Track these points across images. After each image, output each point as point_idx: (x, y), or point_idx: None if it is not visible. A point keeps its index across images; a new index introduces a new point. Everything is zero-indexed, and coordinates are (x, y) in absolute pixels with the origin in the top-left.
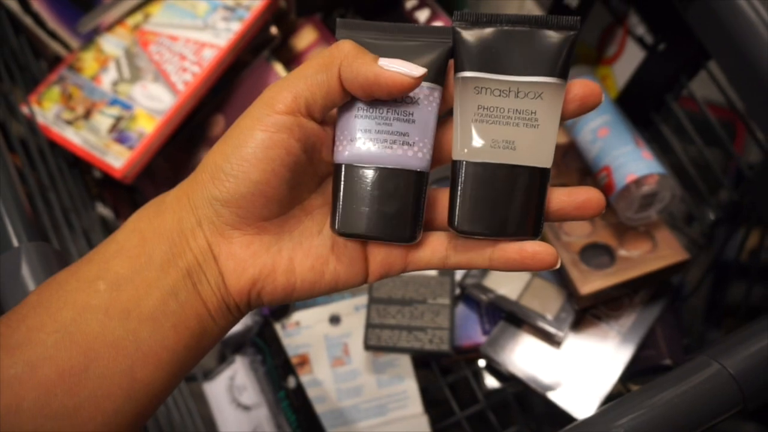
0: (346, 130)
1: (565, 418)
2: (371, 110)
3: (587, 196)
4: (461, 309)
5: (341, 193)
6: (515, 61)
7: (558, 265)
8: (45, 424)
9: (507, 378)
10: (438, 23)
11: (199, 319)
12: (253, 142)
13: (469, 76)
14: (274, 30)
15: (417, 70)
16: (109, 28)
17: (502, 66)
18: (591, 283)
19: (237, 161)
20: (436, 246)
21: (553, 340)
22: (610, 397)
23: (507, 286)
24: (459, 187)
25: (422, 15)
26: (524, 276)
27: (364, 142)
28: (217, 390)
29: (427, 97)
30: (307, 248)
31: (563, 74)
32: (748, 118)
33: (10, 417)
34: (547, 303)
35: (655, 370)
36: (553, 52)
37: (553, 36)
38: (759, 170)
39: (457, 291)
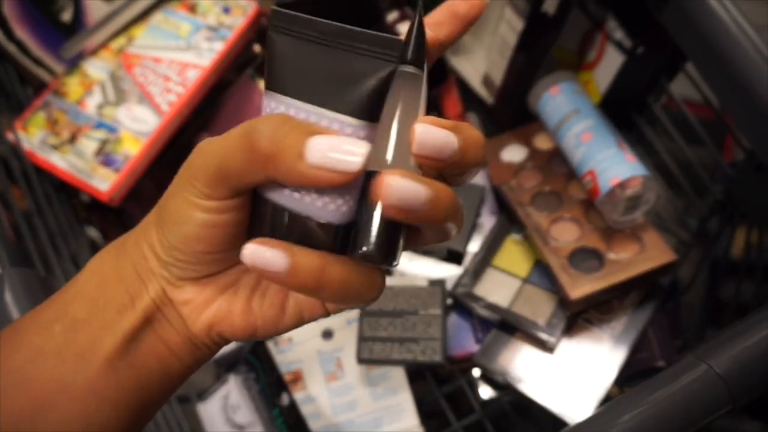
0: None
1: (561, 424)
2: None
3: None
4: (453, 319)
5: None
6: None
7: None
8: None
9: (502, 386)
10: None
11: (161, 359)
12: (192, 222)
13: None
14: (257, 48)
15: (353, 163)
16: (94, 52)
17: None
18: (581, 287)
19: (178, 236)
20: None
21: (546, 347)
22: (605, 402)
23: (498, 293)
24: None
25: (403, 28)
26: (515, 283)
27: (288, 190)
28: (211, 410)
29: (366, 137)
30: (265, 285)
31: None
32: (728, 117)
33: None
34: (538, 309)
35: (648, 373)
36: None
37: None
38: (741, 170)
39: (449, 301)
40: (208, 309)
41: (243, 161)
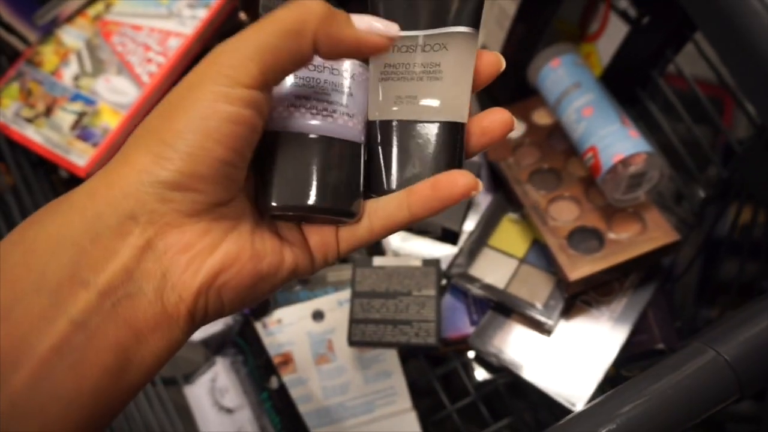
0: (283, 97)
1: (558, 407)
2: (308, 79)
3: (491, 118)
4: (448, 300)
5: (275, 163)
6: (422, 15)
7: (479, 188)
8: None
9: (497, 368)
10: None
11: (119, 347)
12: (215, 116)
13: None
14: (242, 15)
15: (392, 29)
16: (69, 19)
17: (410, 22)
18: (580, 268)
19: (196, 137)
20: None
21: (543, 329)
22: (603, 384)
23: (494, 274)
24: (375, 150)
25: None
26: (511, 264)
27: (302, 110)
28: (198, 393)
29: (361, 74)
30: (262, 230)
31: (470, 23)
32: (738, 92)
33: None
34: (535, 290)
35: (648, 355)
36: (457, 2)
37: None
38: (749, 146)
39: (443, 281)
40: (214, 253)
41: (293, 42)
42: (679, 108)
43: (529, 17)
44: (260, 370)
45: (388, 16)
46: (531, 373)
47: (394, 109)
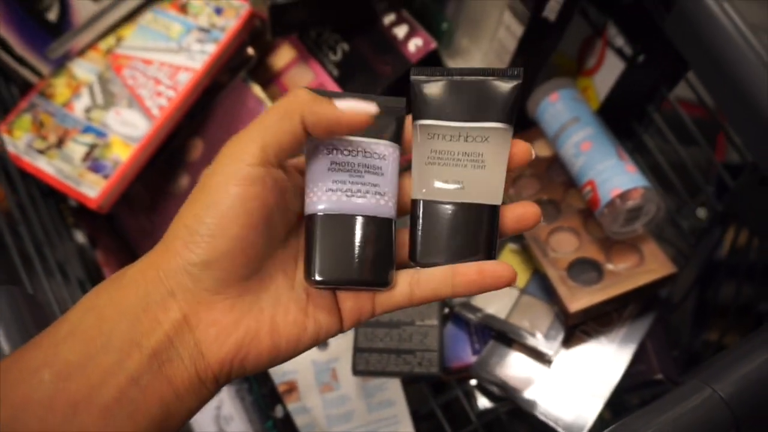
0: (320, 182)
1: None
2: (344, 164)
3: (523, 210)
4: (450, 329)
5: (318, 242)
6: (465, 108)
7: (516, 281)
8: None
9: (499, 397)
10: (416, 39)
11: (163, 402)
12: (228, 199)
13: (423, 123)
14: (250, 50)
15: (371, 108)
16: (81, 52)
17: (453, 114)
18: (580, 299)
19: (213, 220)
20: (400, 284)
21: (543, 359)
22: (605, 414)
23: (495, 304)
24: (418, 224)
25: (401, 31)
26: (512, 294)
27: (340, 193)
28: (203, 421)
29: (392, 154)
30: (287, 303)
31: (508, 120)
32: (728, 126)
33: None
34: (536, 321)
35: (647, 385)
36: (498, 100)
37: (498, 85)
38: (742, 181)
39: (446, 311)
40: (237, 330)
41: (285, 122)
42: (671, 138)
43: (529, 52)
44: (265, 399)
45: (436, 109)
46: (531, 403)
47: (440, 190)
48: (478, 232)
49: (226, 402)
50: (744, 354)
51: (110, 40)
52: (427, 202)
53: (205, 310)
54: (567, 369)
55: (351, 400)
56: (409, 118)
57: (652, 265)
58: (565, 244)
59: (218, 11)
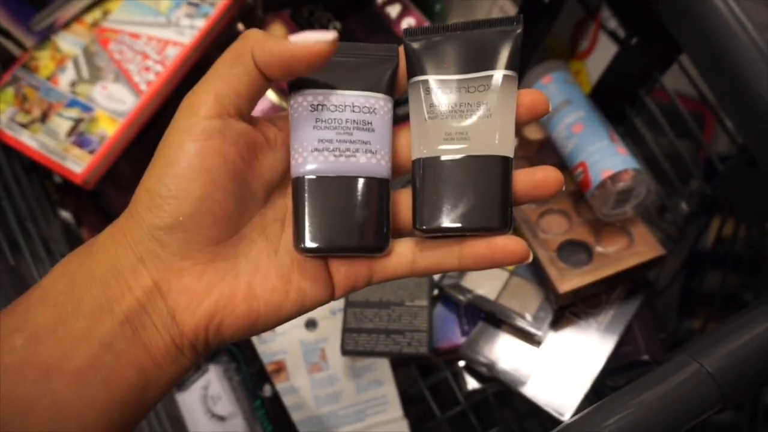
0: (304, 142)
1: (546, 417)
2: (330, 121)
3: (544, 174)
4: (439, 310)
5: (305, 208)
6: (463, 61)
7: (530, 258)
8: None
9: (487, 378)
10: (409, 19)
11: (140, 369)
12: (185, 156)
13: (419, 79)
14: (240, 26)
15: (328, 35)
16: (66, 25)
17: (451, 67)
18: (569, 281)
19: (172, 180)
20: (401, 252)
21: (532, 340)
22: (590, 395)
23: (485, 286)
24: (420, 186)
25: (393, 10)
26: (502, 275)
27: (327, 153)
28: (190, 400)
29: (383, 108)
30: (266, 269)
31: (511, 66)
32: (719, 111)
33: None
34: (525, 302)
35: (633, 366)
36: (499, 48)
37: (499, 34)
38: (731, 164)
39: (435, 292)
40: (209, 296)
41: (238, 66)
42: (663, 124)
43: (523, 35)
44: (253, 378)
45: (432, 65)
46: (520, 383)
47: (443, 147)
48: (488, 189)
49: (213, 382)
50: (732, 330)
51: (96, 13)
52: (429, 160)
53: (175, 276)
54: (556, 350)
55: (339, 381)
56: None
57: (641, 248)
58: (556, 226)
59: None
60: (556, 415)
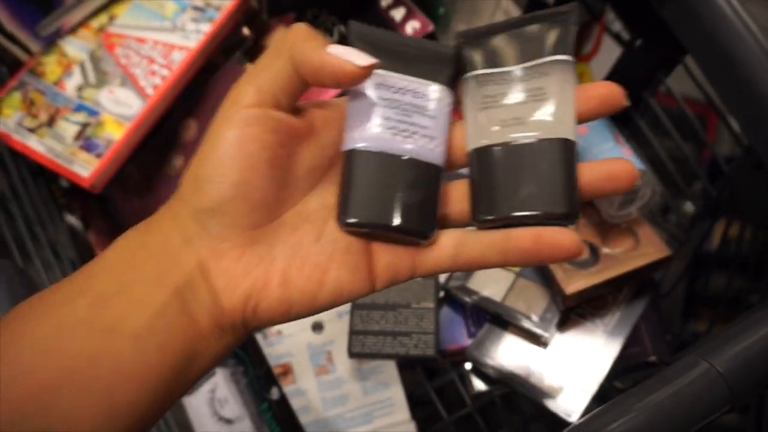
0: (361, 116)
1: (554, 418)
2: (391, 101)
3: (617, 165)
4: (446, 312)
5: (354, 180)
6: (516, 52)
7: (583, 253)
8: None
9: (494, 380)
10: (414, 22)
11: (188, 339)
12: (225, 143)
13: (473, 74)
14: (245, 31)
15: (365, 60)
16: (72, 30)
17: (504, 61)
18: (576, 282)
19: (212, 165)
20: (444, 244)
21: (539, 341)
22: (598, 397)
23: (491, 287)
24: (477, 176)
25: (398, 13)
26: (508, 277)
27: (384, 129)
28: (197, 403)
29: (444, 99)
30: (304, 256)
31: (565, 51)
32: (725, 113)
33: None
34: (532, 303)
35: (640, 368)
36: (550, 35)
37: (548, 22)
38: (737, 165)
39: (441, 294)
40: (245, 279)
41: (277, 61)
42: (669, 127)
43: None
44: (260, 381)
45: (485, 61)
46: (527, 385)
47: (500, 134)
48: (551, 173)
49: (220, 385)
50: (741, 330)
51: (102, 18)
52: (485, 149)
53: (215, 258)
54: (563, 351)
55: (346, 383)
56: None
57: (647, 249)
58: None
59: None
60: (563, 416)
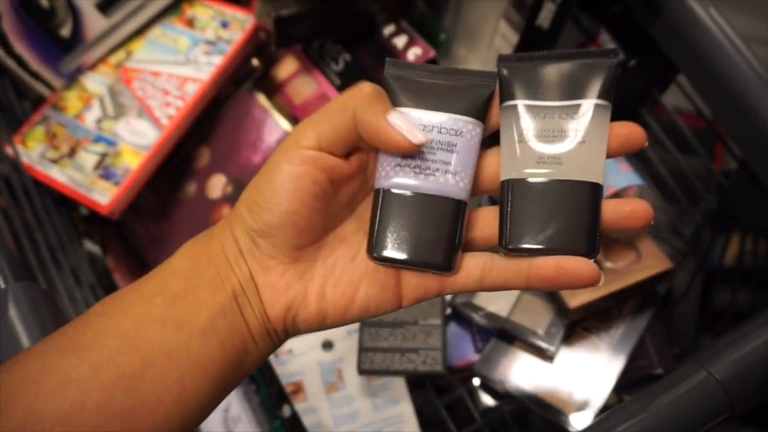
0: (389, 157)
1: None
2: None
3: (634, 206)
4: (453, 328)
5: (379, 219)
6: (557, 88)
7: (600, 282)
8: (105, 423)
9: (502, 395)
10: (415, 49)
11: (243, 339)
12: (281, 175)
13: (513, 104)
14: (255, 61)
15: (416, 137)
16: (92, 66)
17: (545, 94)
18: (579, 296)
19: (267, 193)
20: (471, 267)
21: (545, 355)
22: (604, 410)
23: (497, 303)
24: (508, 206)
25: (400, 41)
26: (513, 292)
27: (408, 169)
28: (211, 422)
29: (470, 132)
30: (339, 275)
31: (606, 97)
32: (719, 127)
33: (75, 414)
34: (537, 318)
35: (647, 380)
36: (592, 77)
37: (592, 63)
38: (734, 179)
39: (448, 310)
40: (287, 292)
41: (341, 114)
42: (666, 142)
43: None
44: (272, 399)
45: (526, 90)
46: (534, 399)
47: (534, 170)
48: (577, 213)
49: (234, 403)
50: (739, 338)
51: (120, 55)
52: (519, 182)
53: (263, 271)
54: (568, 365)
55: (357, 400)
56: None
57: (649, 261)
58: None
59: (224, 24)
60: (571, 429)
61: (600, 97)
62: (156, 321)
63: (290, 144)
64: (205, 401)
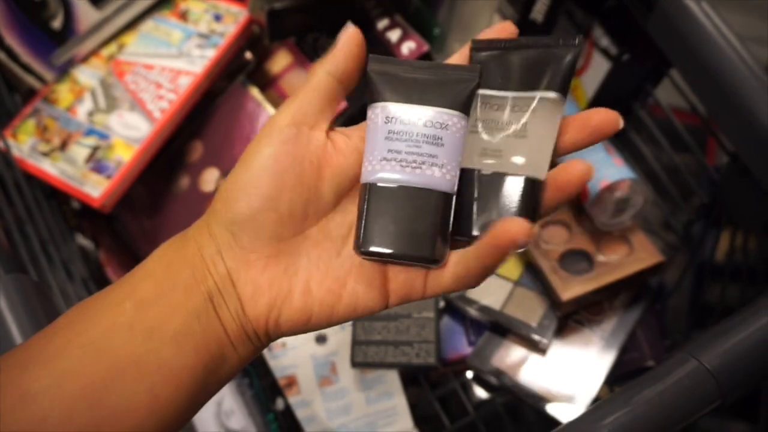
0: (375, 151)
1: (554, 424)
2: (401, 133)
3: (602, 116)
4: (446, 321)
5: (366, 213)
6: (516, 78)
7: (530, 237)
8: None
9: (495, 388)
10: (409, 43)
11: (219, 343)
12: (260, 158)
13: (479, 93)
14: (248, 55)
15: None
16: (84, 59)
17: (505, 83)
18: (571, 288)
19: (247, 179)
20: (449, 266)
21: (538, 348)
22: (596, 401)
23: (490, 296)
24: (458, 195)
25: (393, 35)
26: (507, 286)
27: (394, 163)
28: (204, 416)
29: (456, 125)
30: (325, 270)
31: (555, 88)
32: (712, 122)
33: (35, 430)
34: (529, 311)
35: (639, 373)
36: (547, 69)
37: (551, 53)
38: (725, 174)
39: (442, 304)
40: (270, 289)
41: (314, 85)
42: (659, 137)
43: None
44: (266, 392)
45: (492, 78)
46: (527, 392)
47: (480, 160)
48: (517, 205)
49: (227, 397)
50: (730, 327)
51: (112, 47)
52: (464, 171)
53: (244, 267)
54: (561, 357)
55: (350, 393)
56: None
57: (641, 255)
58: (557, 237)
59: (217, 18)
60: (563, 421)
61: (550, 88)
62: (123, 328)
63: (268, 125)
64: (180, 410)
